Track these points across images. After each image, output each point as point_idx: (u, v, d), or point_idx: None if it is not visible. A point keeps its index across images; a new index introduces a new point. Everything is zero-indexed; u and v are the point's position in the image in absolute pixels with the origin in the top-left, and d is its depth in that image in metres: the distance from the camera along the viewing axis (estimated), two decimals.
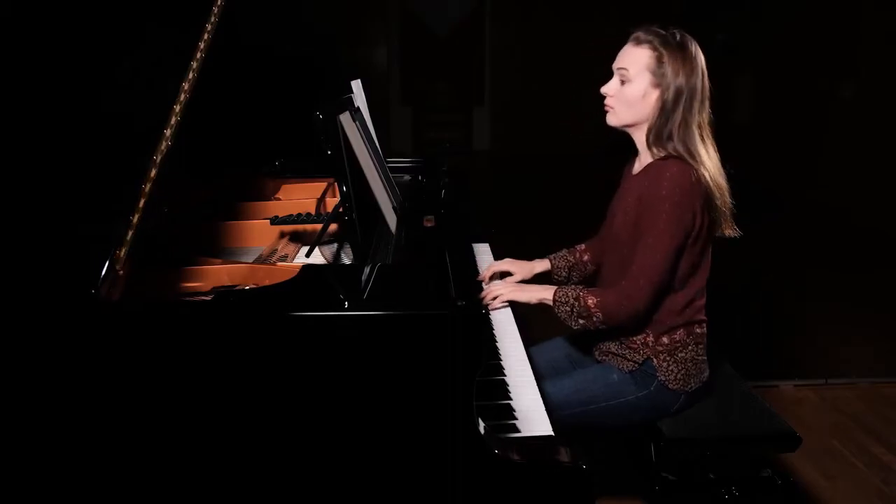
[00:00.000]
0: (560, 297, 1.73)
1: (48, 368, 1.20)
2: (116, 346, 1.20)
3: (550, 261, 2.08)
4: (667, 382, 1.75)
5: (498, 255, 2.22)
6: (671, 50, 1.66)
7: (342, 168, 1.54)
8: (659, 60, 1.67)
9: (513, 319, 1.87)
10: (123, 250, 1.28)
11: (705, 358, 1.81)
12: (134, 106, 1.49)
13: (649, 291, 1.66)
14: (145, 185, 1.35)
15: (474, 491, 1.23)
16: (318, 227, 1.78)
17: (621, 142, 1.83)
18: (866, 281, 3.87)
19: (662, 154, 1.71)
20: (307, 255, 1.73)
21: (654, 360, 1.76)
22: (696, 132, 1.68)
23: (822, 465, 2.47)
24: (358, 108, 1.97)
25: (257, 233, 1.92)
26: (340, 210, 1.66)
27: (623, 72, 1.71)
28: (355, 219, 1.50)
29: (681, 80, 1.66)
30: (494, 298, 1.86)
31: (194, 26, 1.53)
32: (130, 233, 1.30)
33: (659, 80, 1.67)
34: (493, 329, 1.80)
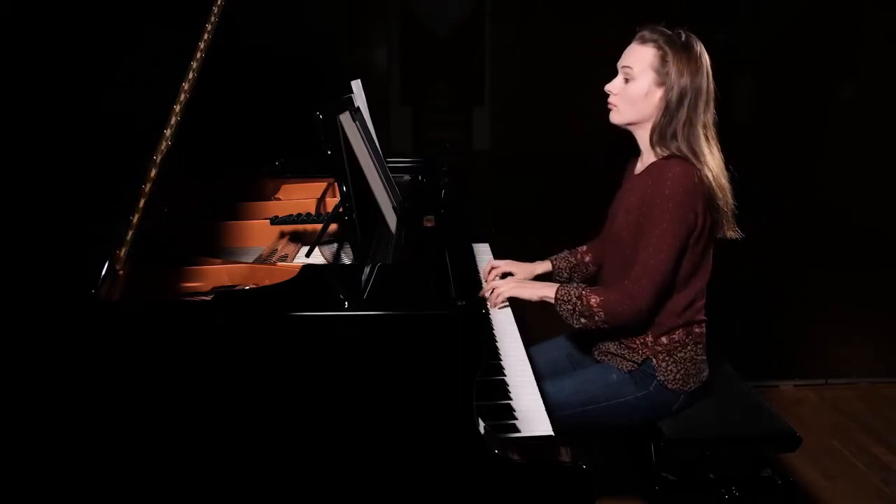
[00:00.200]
0: (562, 296, 1.73)
1: (48, 368, 1.20)
2: (116, 346, 1.20)
3: (552, 262, 2.08)
4: (666, 382, 1.75)
5: (498, 255, 2.22)
6: (676, 49, 1.66)
7: (342, 168, 1.53)
8: (663, 59, 1.67)
9: (513, 319, 1.87)
10: (123, 250, 1.28)
11: (705, 358, 1.81)
12: (134, 106, 1.49)
13: (652, 291, 1.66)
14: (145, 185, 1.35)
15: (474, 491, 1.23)
16: (318, 227, 1.78)
17: (621, 142, 1.83)
18: (866, 281, 3.87)
19: (665, 153, 1.70)
20: (307, 255, 1.73)
21: (654, 360, 1.75)
22: (701, 132, 1.68)
23: (822, 465, 2.46)
24: (358, 108, 1.97)
25: (257, 233, 1.92)
26: (340, 210, 1.66)
27: (627, 70, 1.71)
28: (355, 219, 1.49)
29: (685, 79, 1.65)
30: (497, 295, 1.86)
31: (194, 26, 1.53)
32: (130, 233, 1.30)
33: (663, 78, 1.67)
34: (493, 329, 1.80)
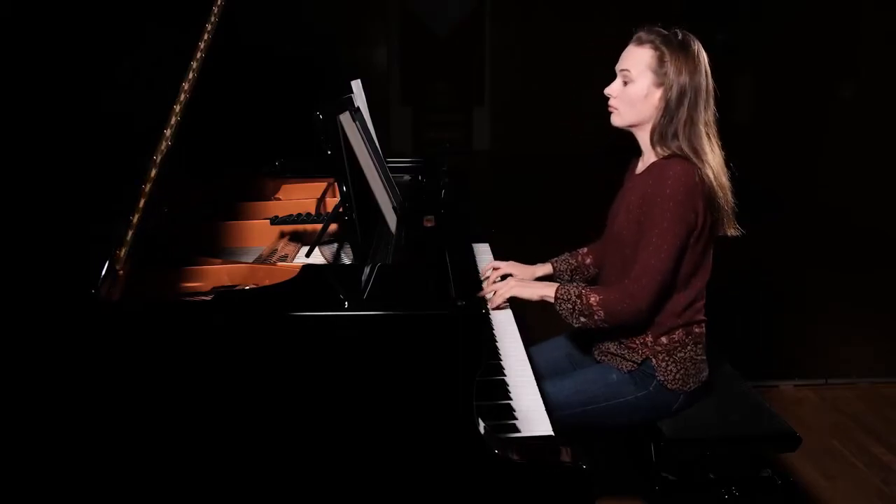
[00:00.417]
0: (562, 295, 1.73)
1: (48, 368, 1.20)
2: (116, 346, 1.20)
3: (552, 264, 2.09)
4: (665, 382, 1.75)
5: (498, 255, 2.22)
6: (673, 49, 1.66)
7: (342, 168, 1.54)
8: (661, 60, 1.67)
9: (513, 319, 1.87)
10: (123, 250, 1.28)
11: (704, 358, 1.81)
12: (134, 106, 1.49)
13: (652, 290, 1.66)
14: (145, 185, 1.35)
15: (474, 491, 1.23)
16: (318, 227, 1.78)
17: (621, 142, 1.83)
18: (866, 281, 3.86)
19: (666, 153, 1.71)
20: (307, 255, 1.73)
21: (653, 360, 1.75)
22: (703, 130, 1.68)
23: (822, 465, 2.47)
24: (358, 108, 1.97)
25: (257, 233, 1.92)
26: (340, 210, 1.66)
27: (625, 73, 1.71)
28: (355, 219, 1.49)
29: (684, 78, 1.65)
30: (497, 295, 1.86)
31: (194, 26, 1.53)
32: (130, 233, 1.30)
33: (661, 79, 1.67)
34: (493, 329, 1.80)
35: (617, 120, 1.77)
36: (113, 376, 1.20)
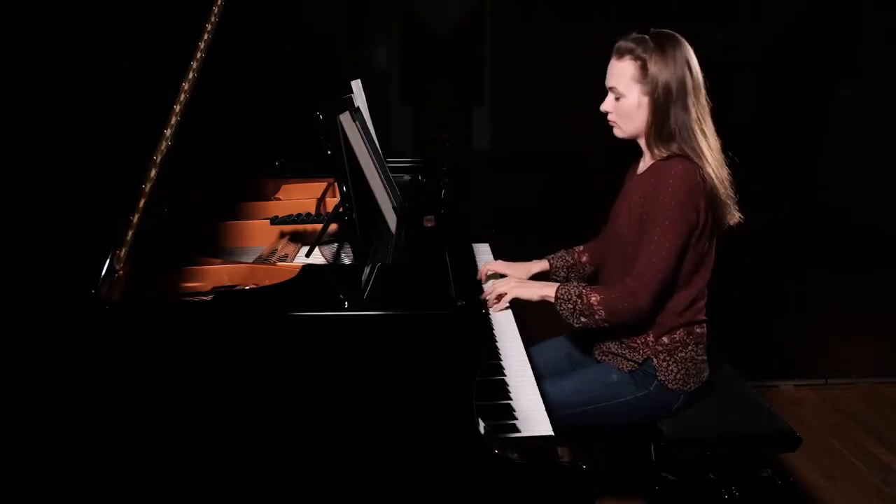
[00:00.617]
0: (562, 294, 1.73)
1: (48, 368, 1.20)
2: (116, 346, 1.20)
3: (549, 261, 2.09)
4: (666, 382, 1.75)
5: (498, 255, 2.22)
6: (651, 53, 1.67)
7: (342, 168, 1.54)
8: (643, 68, 1.68)
9: (513, 319, 1.87)
10: (123, 250, 1.28)
11: (705, 358, 1.81)
12: (134, 106, 1.49)
13: (653, 289, 1.66)
14: (145, 185, 1.35)
15: (474, 491, 1.23)
16: (318, 227, 1.78)
17: (621, 142, 1.83)
18: (866, 281, 3.86)
19: (665, 154, 1.71)
20: (307, 255, 1.73)
21: (654, 359, 1.76)
22: (696, 127, 1.68)
23: (822, 465, 2.47)
24: (358, 108, 1.97)
25: (257, 233, 1.92)
26: (340, 210, 1.66)
27: (614, 90, 1.73)
28: (355, 219, 1.50)
29: (665, 75, 1.66)
30: (498, 298, 1.86)
31: (194, 26, 1.53)
32: (130, 233, 1.30)
33: (648, 86, 1.68)
34: (493, 329, 1.80)
35: (619, 133, 1.79)
36: (113, 376, 1.20)
